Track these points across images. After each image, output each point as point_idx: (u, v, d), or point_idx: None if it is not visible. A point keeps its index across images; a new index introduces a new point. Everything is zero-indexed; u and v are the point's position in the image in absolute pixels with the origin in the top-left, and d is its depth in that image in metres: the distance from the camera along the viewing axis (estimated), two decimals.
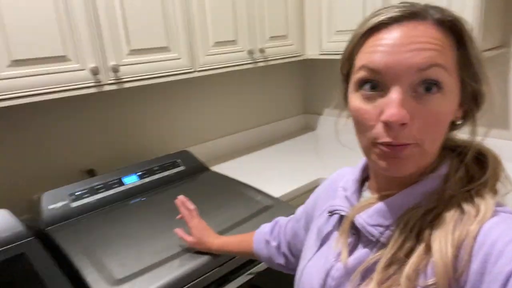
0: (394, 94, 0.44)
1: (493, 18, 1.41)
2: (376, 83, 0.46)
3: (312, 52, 1.86)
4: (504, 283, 0.38)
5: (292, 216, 0.84)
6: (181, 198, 1.04)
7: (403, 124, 0.43)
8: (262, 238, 0.87)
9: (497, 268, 0.39)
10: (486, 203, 0.45)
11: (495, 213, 0.44)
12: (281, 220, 0.87)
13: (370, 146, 0.48)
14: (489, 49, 1.39)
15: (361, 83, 0.48)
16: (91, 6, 1.15)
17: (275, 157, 1.91)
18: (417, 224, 0.47)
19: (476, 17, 1.28)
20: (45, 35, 1.08)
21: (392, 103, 0.44)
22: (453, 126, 0.53)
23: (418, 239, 0.46)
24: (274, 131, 2.22)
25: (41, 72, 1.09)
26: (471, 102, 0.49)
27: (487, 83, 0.48)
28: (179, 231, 1.03)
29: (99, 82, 1.20)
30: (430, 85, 0.43)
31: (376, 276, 0.47)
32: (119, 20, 1.22)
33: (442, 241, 0.43)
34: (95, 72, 1.18)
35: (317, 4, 1.75)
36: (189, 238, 1.00)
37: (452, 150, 0.53)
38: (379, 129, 0.45)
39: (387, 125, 0.44)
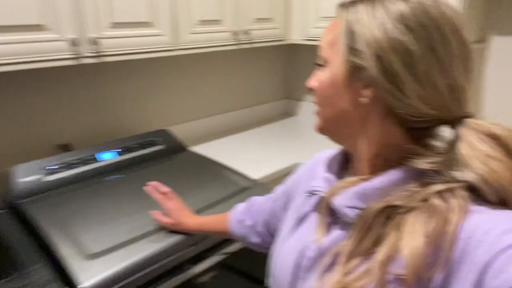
0: None
1: (473, 14, 1.44)
2: None
3: (296, 37, 1.85)
4: (481, 273, 0.38)
5: (268, 195, 0.84)
6: (152, 183, 1.03)
7: (310, 89, 0.56)
8: (237, 217, 0.88)
9: (475, 257, 0.39)
10: (463, 202, 0.43)
11: (472, 211, 0.43)
12: (257, 199, 0.88)
13: None
14: None
15: None
16: None
17: (255, 140, 1.92)
18: (382, 215, 0.47)
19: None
20: (21, 1, 1.03)
21: None
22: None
23: (385, 229, 0.46)
24: (255, 115, 2.22)
25: (16, 40, 1.04)
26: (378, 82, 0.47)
27: (369, 59, 0.46)
28: (155, 214, 1.03)
29: (78, 54, 1.17)
30: (318, 60, 0.54)
31: (340, 266, 0.48)
32: None
33: (413, 233, 0.43)
34: (74, 43, 1.14)
35: None
36: (166, 220, 1.00)
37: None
38: None
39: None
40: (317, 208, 0.59)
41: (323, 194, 0.57)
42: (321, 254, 0.53)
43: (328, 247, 0.53)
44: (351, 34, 0.48)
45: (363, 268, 0.46)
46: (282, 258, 0.61)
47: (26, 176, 1.20)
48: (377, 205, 0.47)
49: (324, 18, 1.69)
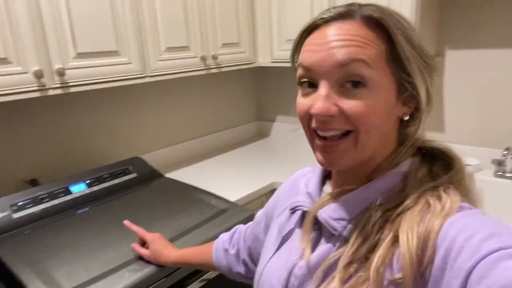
0: (322, 89, 0.48)
1: (428, 29, 1.54)
2: (310, 80, 0.50)
3: (264, 60, 1.90)
4: (465, 280, 0.38)
5: (251, 222, 0.83)
6: (126, 222, 1.02)
7: (330, 116, 0.47)
8: (221, 247, 0.85)
9: (457, 264, 0.39)
10: (451, 199, 0.46)
11: (460, 209, 0.45)
12: (240, 227, 0.86)
13: (312, 140, 0.52)
14: None
15: (300, 80, 0.52)
16: (34, 6, 1.10)
17: (229, 163, 1.92)
18: (378, 222, 0.47)
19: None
20: None
21: (318, 97, 0.48)
22: (405, 123, 0.54)
23: (381, 234, 0.47)
24: (228, 138, 2.23)
25: None
26: (416, 99, 0.51)
27: (420, 80, 0.49)
28: (135, 246, 1.00)
29: (44, 86, 1.15)
30: (354, 80, 0.47)
31: (338, 274, 0.47)
32: (65, 22, 1.17)
33: (409, 233, 0.44)
34: (39, 75, 1.12)
35: (267, 13, 1.80)
36: (146, 252, 0.97)
37: (420, 150, 0.54)
38: (314, 121, 0.50)
39: (316, 117, 0.48)
40: (301, 223, 0.58)
41: (306, 209, 0.56)
42: (310, 271, 0.52)
43: (317, 263, 0.52)
44: (402, 52, 0.47)
45: (359, 275, 0.46)
46: (268, 278, 0.59)
47: None
48: (377, 209, 0.48)
49: (289, 41, 1.75)
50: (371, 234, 0.47)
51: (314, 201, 0.57)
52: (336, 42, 0.47)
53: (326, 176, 0.61)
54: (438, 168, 0.51)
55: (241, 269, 0.81)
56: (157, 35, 1.45)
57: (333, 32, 0.48)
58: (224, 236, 0.88)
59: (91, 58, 1.26)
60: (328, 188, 0.59)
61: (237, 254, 0.82)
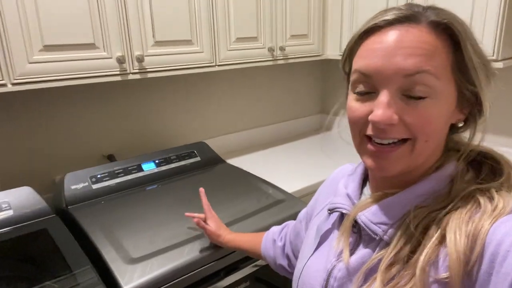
0: (383, 96, 0.46)
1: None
2: (368, 86, 0.48)
3: (332, 52, 1.88)
4: (511, 286, 0.37)
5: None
6: (201, 189, 1.07)
7: (391, 125, 0.46)
8: (271, 237, 0.88)
9: (504, 268, 0.39)
10: (505, 200, 0.44)
11: (511, 211, 0.43)
12: (290, 222, 0.88)
13: (361, 144, 0.51)
14: (507, 59, 1.39)
15: (355, 85, 0.50)
16: None
17: (290, 154, 1.94)
18: (422, 223, 0.46)
19: (497, 26, 1.28)
20: (76, 23, 1.13)
21: (380, 105, 0.46)
22: (456, 128, 0.53)
23: (425, 235, 0.46)
24: (291, 129, 2.25)
25: (71, 58, 1.14)
26: (472, 105, 0.49)
27: (483, 87, 0.47)
28: (196, 219, 1.03)
29: (124, 70, 1.25)
30: (418, 91, 0.45)
31: (379, 275, 0.46)
32: (147, 12, 1.26)
33: (457, 231, 0.43)
34: (121, 61, 1.23)
35: (340, 5, 1.77)
36: (208, 227, 1.00)
37: (459, 151, 0.53)
38: (370, 128, 0.48)
39: (375, 124, 0.47)
40: (340, 225, 0.57)
41: (345, 211, 0.56)
42: (349, 273, 0.52)
43: (356, 266, 0.51)
44: (465, 61, 0.46)
45: (402, 275, 0.46)
46: (308, 278, 0.59)
47: (75, 183, 1.29)
48: (422, 210, 0.47)
49: None
50: (415, 235, 0.46)
51: (353, 203, 0.56)
52: (402, 49, 0.45)
53: (366, 177, 0.60)
54: (486, 172, 0.50)
55: (284, 262, 0.83)
56: (228, 26, 1.49)
57: (398, 38, 0.45)
58: (275, 229, 0.90)
59: (167, 46, 1.34)
60: (368, 190, 0.58)
61: (283, 247, 0.84)
